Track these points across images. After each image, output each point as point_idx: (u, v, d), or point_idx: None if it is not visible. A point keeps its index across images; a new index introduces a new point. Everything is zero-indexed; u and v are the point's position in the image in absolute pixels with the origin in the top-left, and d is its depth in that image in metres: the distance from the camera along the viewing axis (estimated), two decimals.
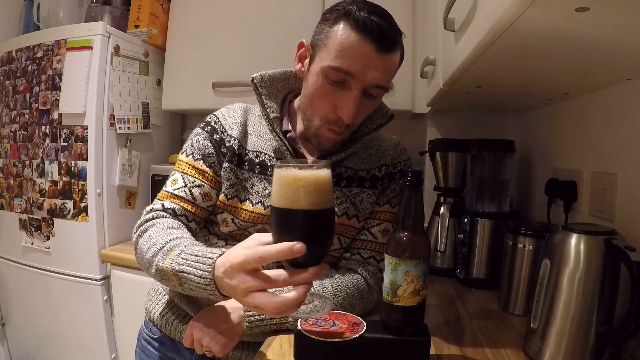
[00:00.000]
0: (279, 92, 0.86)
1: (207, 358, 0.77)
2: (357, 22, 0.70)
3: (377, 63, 0.72)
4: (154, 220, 0.76)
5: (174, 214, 0.79)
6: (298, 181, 0.53)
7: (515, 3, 0.44)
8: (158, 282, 0.89)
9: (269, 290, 0.55)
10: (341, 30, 0.71)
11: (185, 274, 0.63)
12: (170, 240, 0.69)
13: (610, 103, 0.82)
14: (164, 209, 0.78)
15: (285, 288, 0.57)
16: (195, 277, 0.62)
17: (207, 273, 0.60)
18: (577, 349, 0.62)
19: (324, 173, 0.55)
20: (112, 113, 1.54)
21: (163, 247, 0.69)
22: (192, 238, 0.72)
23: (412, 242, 0.63)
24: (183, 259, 0.64)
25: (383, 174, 0.87)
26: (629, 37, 0.52)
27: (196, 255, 0.63)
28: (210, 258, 0.61)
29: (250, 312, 0.73)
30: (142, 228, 0.76)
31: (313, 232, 0.55)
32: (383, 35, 0.71)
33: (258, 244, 0.57)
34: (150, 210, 0.79)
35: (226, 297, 0.62)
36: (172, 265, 0.65)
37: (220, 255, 0.61)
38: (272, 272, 0.55)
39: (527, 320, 0.71)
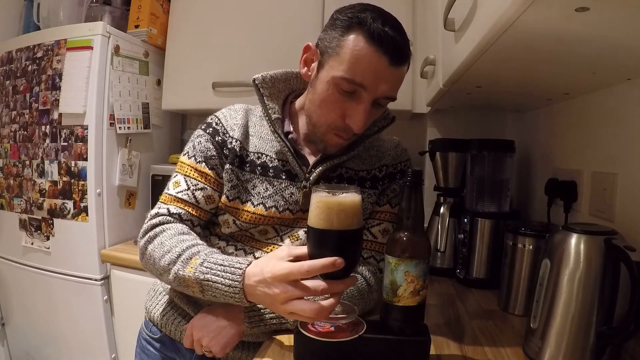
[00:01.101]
0: (280, 93, 0.86)
1: (207, 358, 0.77)
2: (372, 34, 0.68)
3: (389, 76, 0.72)
4: (162, 226, 0.77)
5: (180, 219, 0.79)
6: (336, 206, 0.60)
7: (515, 3, 0.44)
8: (158, 282, 0.89)
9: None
10: (355, 41, 0.70)
11: (211, 283, 0.66)
12: (187, 247, 0.71)
13: (610, 103, 0.82)
14: (170, 214, 0.79)
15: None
16: (223, 286, 0.66)
17: (236, 282, 0.65)
18: (577, 349, 0.62)
19: (357, 198, 0.62)
20: (112, 113, 1.54)
21: (180, 255, 0.70)
22: (206, 244, 0.74)
23: (412, 242, 0.63)
24: (207, 267, 0.67)
25: (383, 174, 0.87)
26: (629, 37, 0.52)
27: (221, 265, 0.67)
28: (239, 268, 0.66)
29: (251, 312, 0.73)
30: (150, 234, 0.76)
31: (346, 248, 0.61)
32: (397, 48, 0.70)
33: (290, 257, 0.63)
34: (156, 214, 0.79)
35: (251, 303, 0.67)
36: (196, 274, 0.67)
37: (249, 264, 0.66)
38: (311, 283, 0.61)
39: (527, 320, 0.71)
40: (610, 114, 0.83)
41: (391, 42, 0.69)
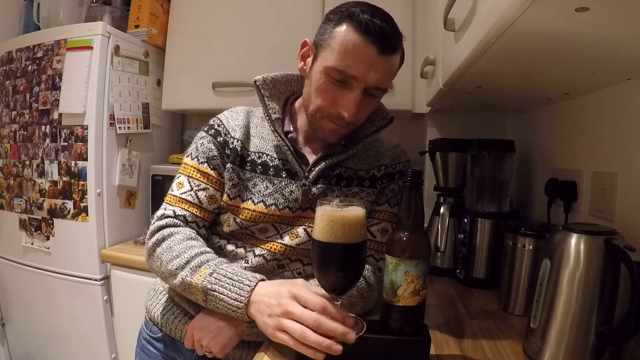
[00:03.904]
0: (281, 94, 0.88)
1: (208, 358, 0.77)
2: (360, 24, 0.71)
3: (378, 65, 0.74)
4: (170, 229, 0.78)
5: (185, 221, 0.80)
6: (340, 219, 0.61)
7: (515, 3, 0.44)
8: (158, 282, 0.90)
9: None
10: (344, 32, 0.73)
11: (217, 294, 0.68)
12: (196, 255, 0.73)
13: (610, 103, 0.82)
14: (176, 216, 0.80)
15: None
16: (229, 299, 0.68)
17: (242, 297, 0.67)
18: (577, 349, 0.62)
19: (361, 212, 0.63)
20: (112, 113, 1.54)
21: (189, 261, 0.72)
22: (213, 252, 0.76)
23: (412, 242, 0.63)
24: (215, 278, 0.69)
25: (382, 173, 0.87)
26: (629, 37, 0.52)
27: (231, 279, 0.69)
28: (247, 285, 0.68)
29: None
30: (158, 236, 0.78)
31: (350, 261, 0.63)
32: (385, 37, 0.72)
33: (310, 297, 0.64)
34: (162, 216, 0.80)
35: (250, 319, 0.68)
36: (204, 283, 0.69)
37: (258, 282, 0.68)
38: (311, 314, 0.61)
39: (527, 320, 0.71)
40: (610, 114, 0.83)
41: (379, 31, 0.72)
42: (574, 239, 0.63)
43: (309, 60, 0.81)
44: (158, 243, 0.77)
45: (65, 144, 1.52)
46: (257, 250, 0.81)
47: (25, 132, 1.62)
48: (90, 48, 1.48)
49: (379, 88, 0.77)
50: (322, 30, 0.78)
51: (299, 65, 0.83)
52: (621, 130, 0.78)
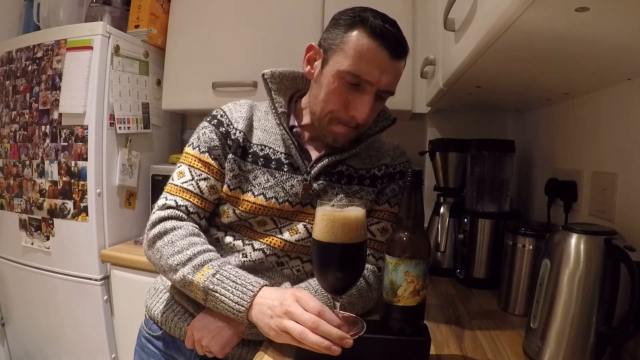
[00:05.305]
0: (287, 90, 0.89)
1: (208, 357, 0.77)
2: (375, 29, 0.73)
3: (390, 69, 0.76)
4: (172, 223, 0.78)
5: (187, 212, 0.80)
6: (340, 219, 0.61)
7: (515, 3, 0.44)
8: (159, 281, 0.90)
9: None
10: (358, 36, 0.74)
11: (218, 295, 0.68)
12: (198, 252, 0.73)
13: (610, 103, 0.82)
14: (178, 207, 0.80)
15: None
16: (230, 302, 0.68)
17: (244, 301, 0.67)
18: (577, 349, 0.62)
19: (361, 212, 0.63)
20: (112, 113, 1.54)
21: (191, 258, 0.72)
22: (215, 250, 0.76)
23: (412, 242, 0.63)
24: (218, 279, 0.69)
25: (382, 173, 0.88)
26: (629, 37, 0.52)
27: (234, 282, 0.69)
28: (250, 290, 0.68)
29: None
30: (159, 228, 0.77)
31: (350, 261, 0.63)
32: (397, 42, 0.75)
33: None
34: (164, 206, 0.80)
35: (249, 322, 0.68)
36: (206, 282, 0.69)
37: (261, 287, 0.68)
38: (310, 316, 0.61)
39: (527, 320, 0.71)
40: (610, 114, 0.83)
41: (392, 36, 0.74)
42: (574, 239, 0.63)
43: (317, 64, 0.81)
44: (159, 235, 0.77)
45: (65, 144, 1.52)
46: (257, 244, 0.81)
47: (25, 132, 1.62)
48: (90, 48, 1.48)
49: (389, 91, 0.79)
50: (331, 35, 0.78)
51: (306, 69, 0.84)
52: (621, 130, 0.78)
